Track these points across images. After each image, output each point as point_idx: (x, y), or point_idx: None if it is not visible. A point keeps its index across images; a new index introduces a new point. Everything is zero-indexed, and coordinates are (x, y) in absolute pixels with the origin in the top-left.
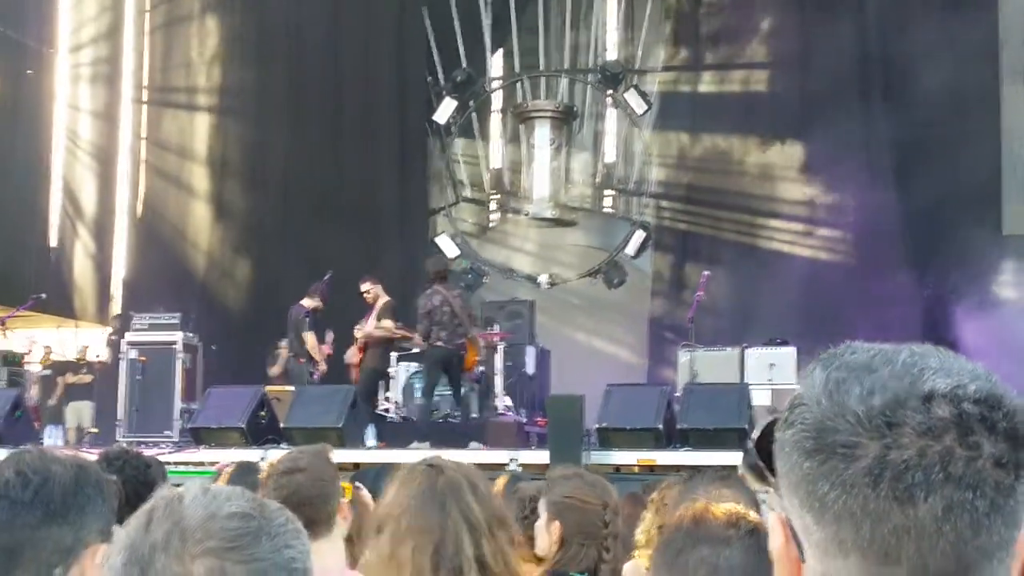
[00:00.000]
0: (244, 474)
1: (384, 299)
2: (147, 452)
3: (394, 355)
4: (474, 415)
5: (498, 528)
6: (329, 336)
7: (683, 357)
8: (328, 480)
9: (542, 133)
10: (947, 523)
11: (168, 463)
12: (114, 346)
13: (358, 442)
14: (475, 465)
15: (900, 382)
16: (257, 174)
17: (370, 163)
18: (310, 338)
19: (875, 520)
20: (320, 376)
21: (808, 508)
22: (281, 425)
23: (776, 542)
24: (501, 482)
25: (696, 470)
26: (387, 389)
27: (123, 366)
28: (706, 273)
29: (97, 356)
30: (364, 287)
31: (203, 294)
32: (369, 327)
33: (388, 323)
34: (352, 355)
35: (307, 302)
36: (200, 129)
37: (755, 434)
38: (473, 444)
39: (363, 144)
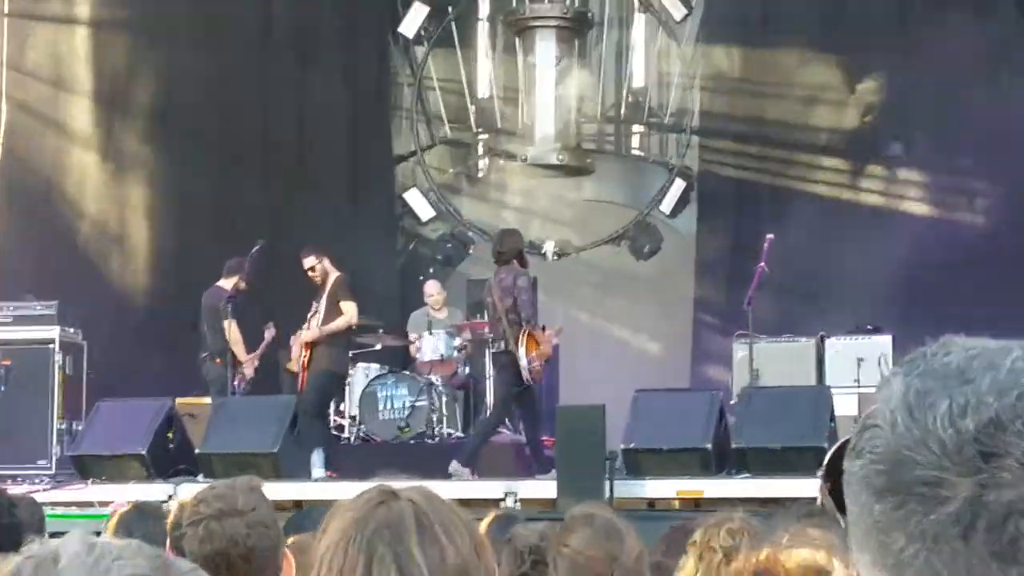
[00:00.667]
0: (143, 519)
1: (335, 275)
2: (14, 489)
3: (348, 355)
4: (456, 433)
5: None
6: (269, 332)
7: (739, 351)
8: (272, 526)
9: (545, 49)
10: None
11: (44, 503)
12: None
13: (300, 472)
14: (457, 502)
15: (1003, 397)
16: (158, 110)
17: (311, 94)
18: (233, 329)
19: None
20: (245, 384)
21: (881, 566)
22: (196, 451)
23: None
24: (485, 523)
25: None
26: (341, 400)
27: None
28: (770, 237)
29: None
30: (307, 262)
31: (88, 273)
32: (316, 327)
33: (350, 305)
34: (296, 354)
35: (225, 283)
36: (81, 51)
37: (826, 459)
38: (455, 471)
39: (301, 68)
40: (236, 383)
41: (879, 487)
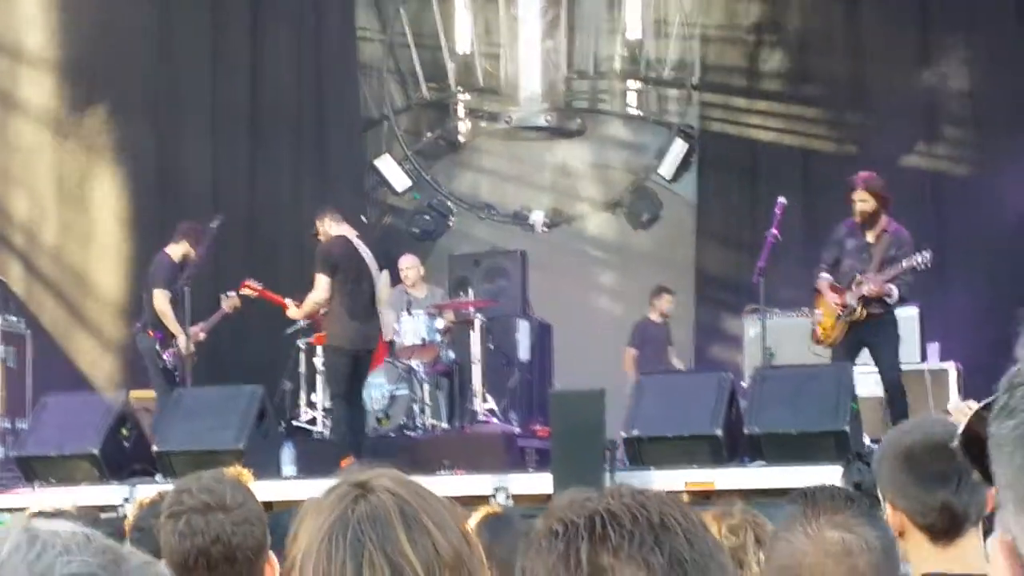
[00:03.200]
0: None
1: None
2: None
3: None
4: (441, 424)
5: None
6: (227, 302)
7: (751, 328)
8: (258, 524)
9: None
10: None
11: None
12: None
13: (270, 470)
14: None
15: None
16: (102, 71)
17: (266, 53)
18: (158, 297)
19: None
20: (173, 358)
21: None
22: (154, 449)
23: (998, 574)
24: (475, 519)
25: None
26: (312, 391)
27: None
28: (782, 200)
29: None
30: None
31: (29, 252)
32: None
33: (319, 279)
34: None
35: (172, 249)
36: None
37: (960, 428)
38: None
39: (254, 24)
40: (166, 356)
41: None
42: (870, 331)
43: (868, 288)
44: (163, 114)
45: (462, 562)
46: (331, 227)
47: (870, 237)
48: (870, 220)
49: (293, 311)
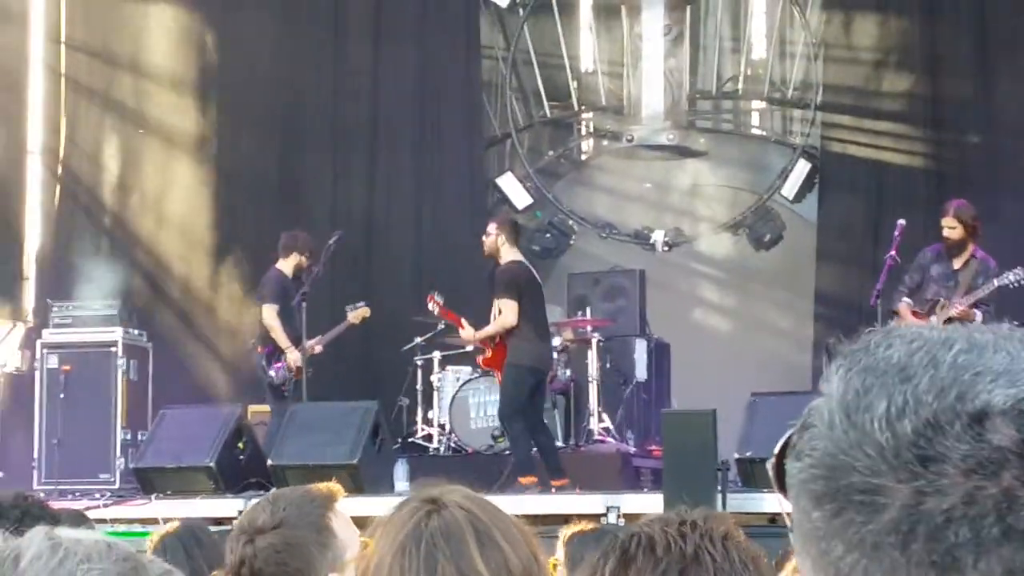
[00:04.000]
0: (187, 540)
1: (507, 259)
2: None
3: (438, 355)
4: (558, 443)
5: None
6: (354, 313)
7: None
8: (297, 547)
9: (652, 17)
10: None
11: (103, 520)
12: (27, 350)
13: (384, 485)
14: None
15: (943, 397)
16: (222, 85)
17: (387, 71)
18: (266, 312)
19: None
20: (282, 371)
21: (822, 573)
22: (268, 462)
23: None
24: (564, 536)
25: None
26: (429, 407)
27: (38, 378)
28: (901, 222)
29: (2, 366)
30: (488, 227)
31: (153, 269)
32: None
33: (506, 304)
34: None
35: (283, 264)
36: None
37: (773, 456)
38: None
39: (377, 41)
40: (272, 371)
41: (817, 493)
42: None
43: (955, 311)
44: (280, 132)
45: (532, 572)
46: (505, 244)
47: (956, 264)
48: (957, 247)
49: (468, 332)
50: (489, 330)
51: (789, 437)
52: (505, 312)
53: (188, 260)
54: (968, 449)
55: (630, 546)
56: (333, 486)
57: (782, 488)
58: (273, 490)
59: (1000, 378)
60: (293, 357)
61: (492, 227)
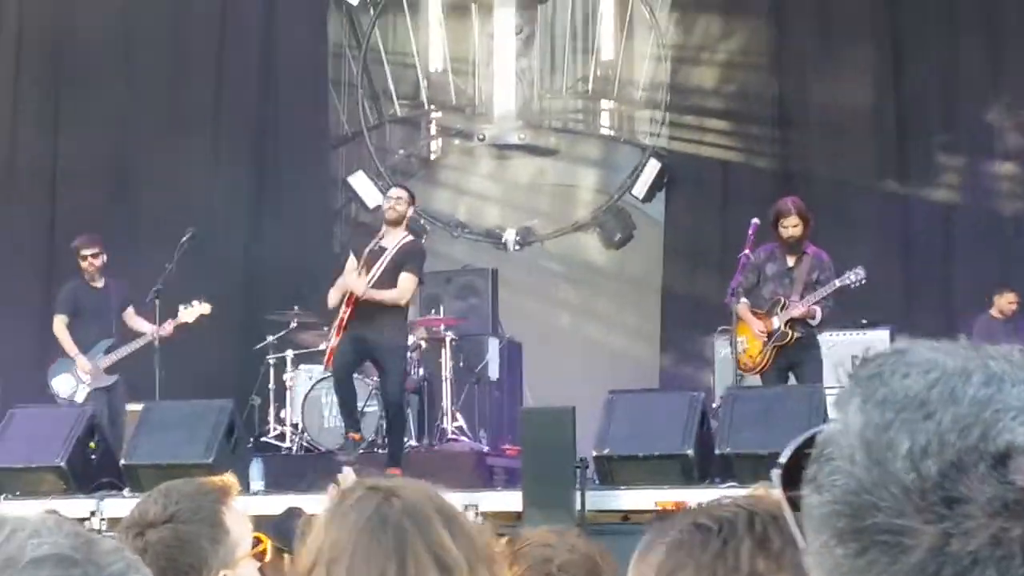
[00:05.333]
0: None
1: (409, 237)
2: None
3: (291, 354)
4: (410, 441)
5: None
6: (190, 310)
7: (722, 349)
8: (203, 538)
9: (504, 16)
10: None
11: None
12: None
13: (239, 484)
14: None
15: (966, 436)
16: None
17: (236, 61)
18: (55, 324)
19: None
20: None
21: None
22: (121, 462)
23: None
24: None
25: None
26: (281, 406)
27: None
28: (755, 221)
29: None
30: (400, 193)
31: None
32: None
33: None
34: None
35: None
36: None
37: (783, 458)
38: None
39: (223, 34)
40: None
41: (840, 530)
42: (796, 354)
43: (797, 310)
44: (116, 111)
45: (491, 556)
46: (411, 213)
47: (790, 261)
48: (798, 244)
49: (360, 283)
50: (385, 294)
51: (802, 444)
52: (407, 287)
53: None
54: (993, 491)
55: (755, 526)
56: (228, 480)
57: (791, 501)
58: (166, 483)
59: (1021, 415)
60: (82, 364)
61: (404, 194)
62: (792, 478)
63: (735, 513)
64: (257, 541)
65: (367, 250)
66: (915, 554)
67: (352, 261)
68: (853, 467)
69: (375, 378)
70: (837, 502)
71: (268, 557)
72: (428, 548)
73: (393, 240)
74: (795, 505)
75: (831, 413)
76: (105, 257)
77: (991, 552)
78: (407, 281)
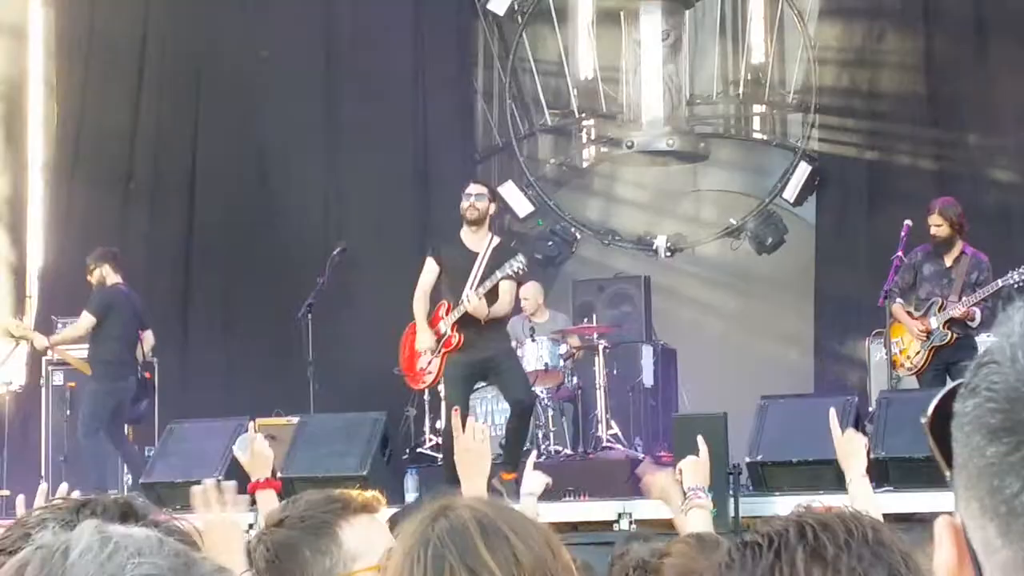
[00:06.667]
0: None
1: (497, 239)
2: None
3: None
4: (565, 451)
5: None
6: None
7: (877, 352)
8: (305, 546)
9: (650, 23)
10: None
11: None
12: (33, 367)
13: (394, 496)
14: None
15: None
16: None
17: (383, 74)
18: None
19: None
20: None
21: (992, 514)
22: (278, 475)
23: (943, 556)
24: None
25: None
26: (436, 417)
27: (44, 396)
28: (907, 223)
29: (8, 384)
30: (476, 188)
31: (158, 281)
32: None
33: (511, 287)
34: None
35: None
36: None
37: (930, 408)
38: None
39: (371, 49)
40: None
41: (994, 427)
42: (954, 355)
43: (957, 311)
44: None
45: (545, 568)
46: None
47: (948, 261)
48: (945, 245)
49: (482, 305)
50: (497, 309)
51: (956, 385)
52: (510, 296)
53: (199, 284)
54: None
55: (807, 535)
56: (364, 495)
57: (941, 437)
58: (303, 491)
59: None
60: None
61: (483, 190)
62: (940, 429)
63: (784, 526)
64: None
65: (449, 258)
66: None
67: (431, 264)
68: (1014, 365)
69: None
70: (993, 400)
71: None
72: (464, 563)
73: (480, 243)
74: (944, 446)
75: (991, 336)
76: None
77: None
78: (510, 289)
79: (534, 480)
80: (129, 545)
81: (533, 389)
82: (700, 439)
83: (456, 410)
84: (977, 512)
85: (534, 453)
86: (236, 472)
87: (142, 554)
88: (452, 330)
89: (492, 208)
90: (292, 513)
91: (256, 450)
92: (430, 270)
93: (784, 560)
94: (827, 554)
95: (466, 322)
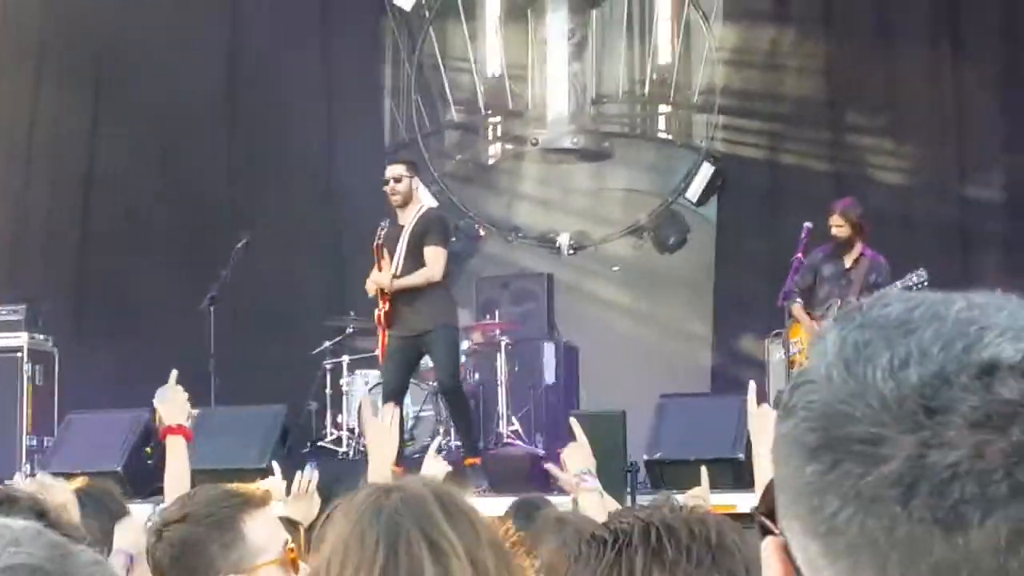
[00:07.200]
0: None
1: (424, 206)
2: None
3: (347, 359)
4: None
5: (494, 561)
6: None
7: (776, 352)
8: (210, 542)
9: (556, 21)
10: (1014, 557)
11: None
12: None
13: (278, 494)
14: None
15: (949, 348)
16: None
17: (285, 76)
18: None
19: (907, 552)
20: None
21: (812, 533)
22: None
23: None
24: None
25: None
26: (338, 411)
27: None
28: (807, 225)
29: None
30: (394, 171)
31: (59, 267)
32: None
33: (438, 252)
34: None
35: None
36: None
37: (758, 497)
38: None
39: (276, 41)
40: None
41: (812, 445)
42: None
43: None
44: (169, 134)
45: (502, 546)
46: (417, 190)
47: (847, 262)
48: (845, 246)
49: (385, 277)
50: (413, 279)
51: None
52: (436, 261)
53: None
54: (976, 401)
55: (650, 537)
56: (260, 489)
57: (766, 532)
58: (199, 486)
59: (1007, 333)
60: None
61: (401, 169)
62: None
63: (631, 524)
64: (292, 551)
65: (380, 236)
66: (891, 464)
67: (376, 246)
68: (830, 384)
69: (431, 383)
70: (810, 419)
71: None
72: (421, 531)
73: (407, 217)
74: (760, 524)
75: (809, 358)
76: None
77: (971, 465)
78: (433, 254)
79: (434, 466)
80: (6, 534)
81: (457, 374)
82: (573, 423)
83: (365, 399)
84: (799, 531)
85: (437, 440)
86: (136, 464)
87: (19, 543)
88: (381, 303)
89: (414, 183)
90: (193, 509)
91: (172, 397)
92: (375, 250)
93: (624, 560)
94: (667, 557)
95: (398, 296)
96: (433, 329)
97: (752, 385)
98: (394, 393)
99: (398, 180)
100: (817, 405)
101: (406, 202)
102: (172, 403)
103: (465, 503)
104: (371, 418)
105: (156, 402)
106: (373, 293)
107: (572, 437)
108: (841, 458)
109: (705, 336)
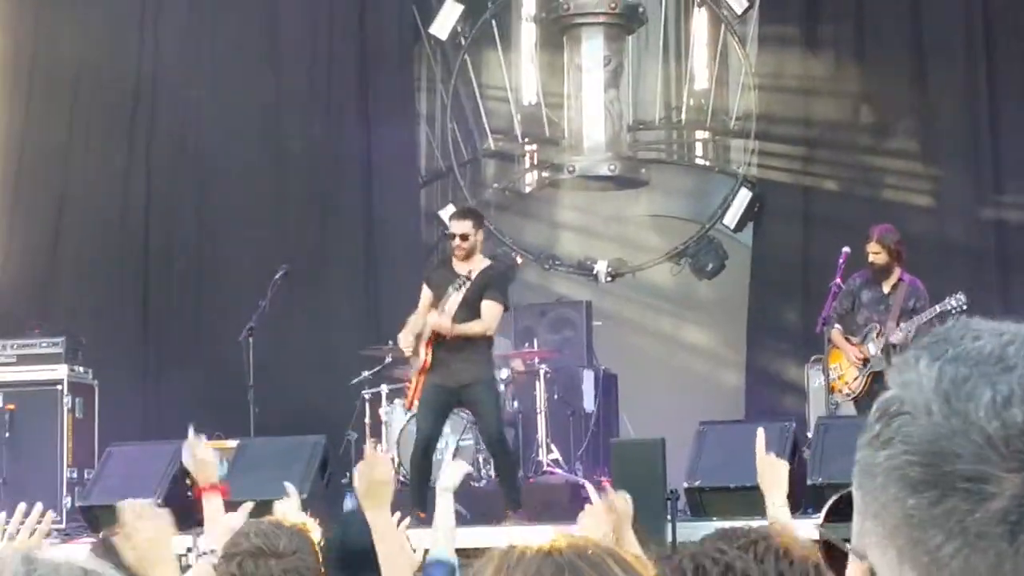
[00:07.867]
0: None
1: (487, 262)
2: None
3: (385, 388)
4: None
5: None
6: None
7: (815, 379)
8: (309, 572)
9: (592, 48)
10: None
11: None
12: None
13: (333, 519)
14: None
15: None
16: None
17: (323, 97)
18: None
19: None
20: None
21: (912, 563)
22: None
23: None
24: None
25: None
26: (377, 441)
27: None
28: (845, 250)
29: None
30: (461, 227)
31: (100, 301)
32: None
33: (495, 308)
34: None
35: None
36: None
37: (823, 515)
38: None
39: (312, 71)
40: None
41: (915, 479)
42: None
43: (896, 336)
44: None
45: None
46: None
47: (885, 288)
48: (883, 272)
49: (445, 320)
50: (470, 327)
51: (838, 499)
52: (494, 316)
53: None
54: None
55: (704, 565)
56: (305, 519)
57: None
58: (264, 518)
59: None
60: None
61: (468, 226)
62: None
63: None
64: None
65: (430, 274)
66: (997, 502)
67: (427, 292)
68: (930, 418)
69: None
70: (911, 452)
71: None
72: None
73: (467, 267)
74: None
75: (891, 382)
76: None
77: None
78: (491, 309)
79: (452, 471)
80: (50, 570)
81: (503, 428)
82: (589, 487)
83: (374, 441)
84: (895, 560)
85: (455, 443)
86: (175, 496)
87: None
88: (426, 349)
89: (480, 235)
90: (301, 544)
91: (198, 456)
92: (424, 295)
93: None
94: None
95: (442, 343)
96: (477, 383)
97: (761, 432)
98: (427, 440)
99: (465, 238)
100: (917, 440)
101: (470, 256)
102: (199, 462)
103: (629, 563)
104: (364, 463)
105: (185, 462)
106: (411, 338)
107: (611, 467)
108: (947, 494)
109: (741, 362)
